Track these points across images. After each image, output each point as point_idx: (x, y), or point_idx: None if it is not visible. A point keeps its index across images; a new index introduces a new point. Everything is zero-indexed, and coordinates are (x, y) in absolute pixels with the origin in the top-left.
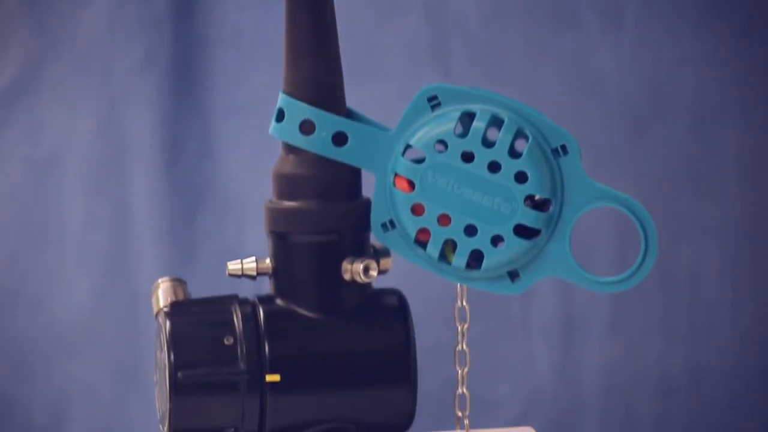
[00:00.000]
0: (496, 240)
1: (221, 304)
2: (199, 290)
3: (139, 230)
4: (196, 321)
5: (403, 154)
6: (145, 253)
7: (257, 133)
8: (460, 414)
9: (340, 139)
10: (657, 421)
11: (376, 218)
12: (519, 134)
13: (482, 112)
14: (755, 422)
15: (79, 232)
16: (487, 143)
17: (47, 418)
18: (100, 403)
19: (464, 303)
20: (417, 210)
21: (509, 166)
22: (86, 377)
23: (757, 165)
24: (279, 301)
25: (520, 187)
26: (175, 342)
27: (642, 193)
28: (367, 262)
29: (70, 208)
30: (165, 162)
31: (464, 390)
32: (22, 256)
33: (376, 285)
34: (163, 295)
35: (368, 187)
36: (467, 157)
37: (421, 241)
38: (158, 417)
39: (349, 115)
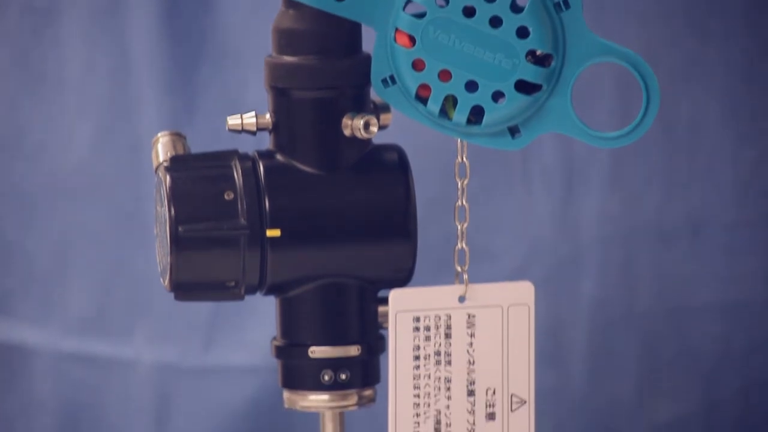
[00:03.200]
0: (497, 96)
1: (221, 159)
2: (198, 144)
3: (139, 79)
4: (196, 176)
5: (404, 8)
6: (145, 103)
7: None
8: (459, 269)
9: None
10: (656, 271)
11: (377, 74)
12: None
13: None
14: (754, 272)
15: (79, 80)
16: None
17: (49, 264)
18: (102, 251)
19: (464, 159)
20: (418, 65)
21: (510, 21)
22: (88, 225)
23: (761, 7)
24: (279, 157)
25: (522, 42)
26: (175, 197)
27: (643, 40)
28: (367, 117)
29: (70, 55)
30: (164, 10)
31: (464, 245)
32: (20, 104)
33: (375, 141)
34: (162, 149)
35: (368, 43)
36: (468, 12)
37: (422, 96)
38: (159, 270)
39: None
